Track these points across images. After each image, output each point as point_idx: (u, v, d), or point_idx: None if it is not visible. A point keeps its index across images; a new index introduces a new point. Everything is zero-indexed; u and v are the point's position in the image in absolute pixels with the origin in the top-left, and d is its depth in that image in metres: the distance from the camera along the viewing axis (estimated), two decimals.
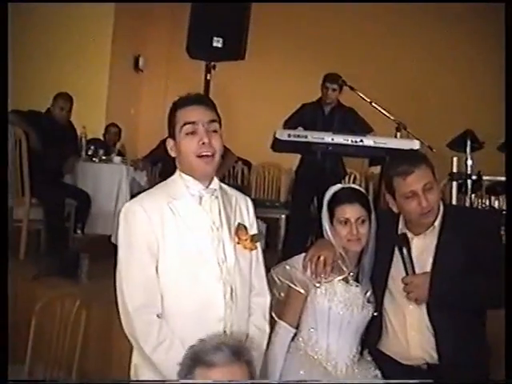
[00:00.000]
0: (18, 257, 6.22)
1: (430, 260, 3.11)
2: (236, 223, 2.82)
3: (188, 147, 2.71)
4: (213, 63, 5.88)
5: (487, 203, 7.41)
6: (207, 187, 2.78)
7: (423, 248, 3.14)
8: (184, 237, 2.70)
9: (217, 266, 2.72)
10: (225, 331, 2.68)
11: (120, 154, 8.12)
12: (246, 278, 2.84)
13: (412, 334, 3.14)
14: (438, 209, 3.15)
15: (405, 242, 3.08)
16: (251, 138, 8.13)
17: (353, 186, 3.32)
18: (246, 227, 2.84)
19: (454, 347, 3.06)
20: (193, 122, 2.70)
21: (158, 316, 2.65)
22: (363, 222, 3.11)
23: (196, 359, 2.20)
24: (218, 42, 5.64)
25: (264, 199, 8.78)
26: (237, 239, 2.79)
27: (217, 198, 2.79)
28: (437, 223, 3.15)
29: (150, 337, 2.62)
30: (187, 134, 2.71)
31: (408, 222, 3.20)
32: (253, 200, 8.23)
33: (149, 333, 2.62)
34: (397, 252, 3.16)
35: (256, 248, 2.86)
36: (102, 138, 8.67)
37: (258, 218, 7.44)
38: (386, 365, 3.19)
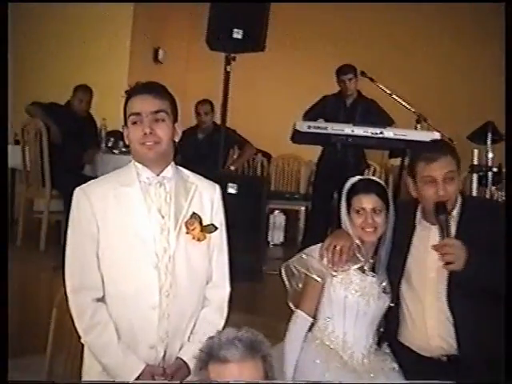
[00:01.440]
0: (39, 248, 6.27)
1: None
2: (190, 212, 2.79)
3: (133, 136, 2.75)
4: (233, 55, 5.85)
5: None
6: (158, 175, 2.79)
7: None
8: (125, 223, 2.73)
9: (154, 254, 2.72)
10: (161, 320, 2.72)
11: None
12: (197, 269, 2.82)
13: (431, 323, 3.13)
14: (456, 200, 3.14)
15: (443, 208, 3.02)
16: (271, 130, 8.12)
17: (372, 177, 3.35)
18: (199, 217, 2.80)
19: (473, 336, 3.05)
20: (137, 113, 2.73)
21: (97, 299, 2.71)
22: (379, 212, 3.14)
23: (210, 354, 2.21)
24: (238, 34, 5.62)
25: (283, 191, 8.74)
26: (185, 228, 2.77)
27: (166, 185, 2.79)
28: (455, 213, 3.14)
29: (84, 318, 2.70)
30: (133, 123, 2.74)
31: (426, 212, 3.19)
32: (272, 192, 8.32)
33: (82, 314, 2.70)
34: (416, 242, 3.18)
35: (205, 238, 2.80)
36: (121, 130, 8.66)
37: (277, 209, 7.44)
38: (406, 357, 3.19)
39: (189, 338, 2.82)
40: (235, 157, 7.40)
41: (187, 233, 2.77)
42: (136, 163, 2.80)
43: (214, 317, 2.88)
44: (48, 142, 6.29)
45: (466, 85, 9.19)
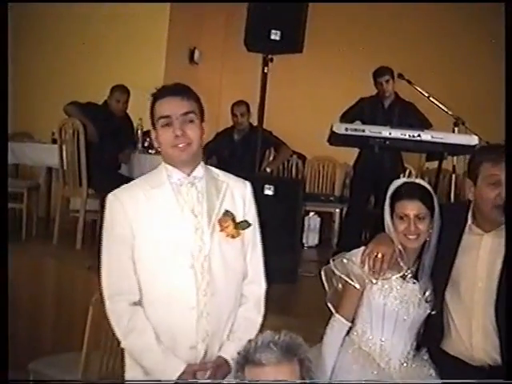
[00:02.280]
0: (75, 247, 6.32)
1: (500, 261, 3.01)
2: (223, 210, 2.81)
3: (164, 138, 2.75)
4: (270, 56, 5.84)
5: None
6: (188, 175, 2.80)
7: (493, 247, 3.05)
8: (159, 225, 2.74)
9: (189, 254, 2.73)
10: (200, 319, 2.73)
11: None
12: (232, 266, 2.83)
13: (477, 337, 3.07)
14: None
15: None
16: (306, 132, 8.09)
17: (417, 181, 3.22)
18: (232, 214, 2.81)
19: None
20: (167, 116, 2.74)
21: (134, 303, 2.73)
22: (423, 218, 3.05)
23: (246, 357, 2.22)
24: (275, 35, 5.60)
25: (318, 193, 8.71)
26: (219, 226, 2.78)
27: (197, 185, 2.80)
28: None
29: (121, 323, 2.72)
30: (163, 126, 2.75)
31: (478, 217, 3.11)
32: (307, 194, 8.30)
33: (120, 319, 2.73)
34: (464, 249, 3.10)
35: (239, 235, 2.81)
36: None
37: (312, 211, 7.42)
38: (447, 363, 3.13)
39: (228, 336, 2.82)
40: (271, 158, 7.39)
41: (221, 230, 2.78)
42: (166, 165, 2.81)
43: (251, 314, 2.89)
44: (85, 142, 6.35)
45: (503, 88, 9.09)
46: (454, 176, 6.67)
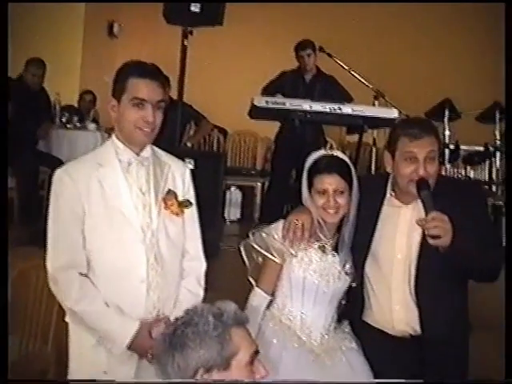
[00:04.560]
0: None
1: (419, 232, 3.02)
2: (166, 189, 2.89)
3: (132, 118, 2.77)
4: (190, 29, 5.77)
5: (463, 173, 7.45)
6: (138, 155, 2.85)
7: (412, 219, 3.04)
8: (109, 202, 2.79)
9: (140, 230, 2.80)
10: (148, 292, 2.79)
11: (95, 121, 8.01)
12: (175, 242, 2.92)
13: (396, 308, 3.10)
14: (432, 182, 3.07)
15: (425, 183, 2.95)
16: (227, 106, 8.06)
17: (336, 153, 3.16)
18: (175, 193, 2.90)
19: (438, 323, 3.04)
20: (143, 99, 2.75)
21: (80, 274, 2.76)
22: (342, 193, 3.05)
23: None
24: (195, 7, 5.54)
25: (240, 167, 8.75)
26: (163, 204, 2.86)
27: (146, 165, 2.86)
28: None
29: (71, 291, 2.74)
30: (134, 105, 2.76)
31: (397, 189, 3.13)
32: (228, 168, 8.27)
33: (70, 288, 2.74)
34: (383, 221, 3.13)
35: (182, 213, 2.92)
36: (76, 105, 8.56)
37: (233, 186, 7.38)
38: (368, 334, 3.16)
39: (174, 305, 2.88)
40: (192, 133, 7.32)
41: (166, 208, 2.87)
42: (117, 142, 2.85)
43: (194, 287, 2.97)
44: None
45: (424, 61, 9.23)
46: (374, 149, 6.76)
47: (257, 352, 2.17)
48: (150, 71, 2.79)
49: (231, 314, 2.15)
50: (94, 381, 2.76)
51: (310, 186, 3.10)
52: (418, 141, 2.97)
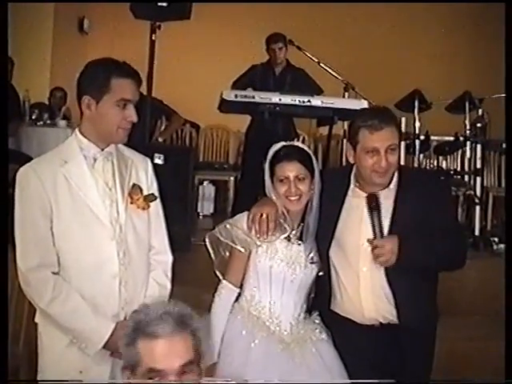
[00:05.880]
0: None
1: (387, 222, 3.06)
2: (131, 184, 2.91)
3: (114, 118, 2.79)
4: (158, 23, 5.75)
5: (435, 163, 7.49)
6: (103, 150, 2.85)
7: None
8: (77, 198, 2.79)
9: (109, 225, 2.82)
10: (120, 288, 2.82)
11: (65, 118, 7.97)
12: (142, 237, 2.93)
13: (366, 296, 3.11)
14: (394, 172, 3.10)
15: (376, 203, 3.01)
16: (198, 101, 8.04)
17: (295, 143, 3.26)
18: (140, 187, 2.92)
19: (411, 309, 3.06)
20: (128, 100, 2.78)
21: (53, 273, 2.76)
22: (303, 179, 3.08)
23: (138, 330, 2.16)
24: (162, 2, 5.54)
25: (212, 162, 8.76)
26: (130, 199, 2.88)
27: (110, 160, 2.87)
28: (392, 185, 3.10)
29: (45, 292, 2.73)
30: (118, 105, 2.78)
31: (360, 180, 3.14)
32: (201, 163, 8.27)
33: (43, 288, 2.74)
34: (347, 210, 3.14)
35: (149, 207, 2.94)
36: (47, 102, 8.51)
37: (206, 180, 7.40)
38: (338, 324, 3.18)
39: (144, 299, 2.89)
40: (163, 128, 7.30)
41: (132, 203, 2.88)
42: (81, 137, 2.84)
43: (162, 279, 3.00)
44: None
45: (393, 51, 9.26)
46: (344, 141, 6.77)
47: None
48: (129, 70, 2.82)
49: (150, 322, 2.15)
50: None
51: (272, 175, 3.13)
52: (378, 132, 2.98)
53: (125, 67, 2.82)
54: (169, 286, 3.00)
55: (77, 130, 2.88)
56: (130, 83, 2.78)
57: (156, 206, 2.99)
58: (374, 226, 3.00)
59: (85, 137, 2.83)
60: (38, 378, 2.89)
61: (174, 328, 2.14)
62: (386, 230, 3.05)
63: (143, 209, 2.90)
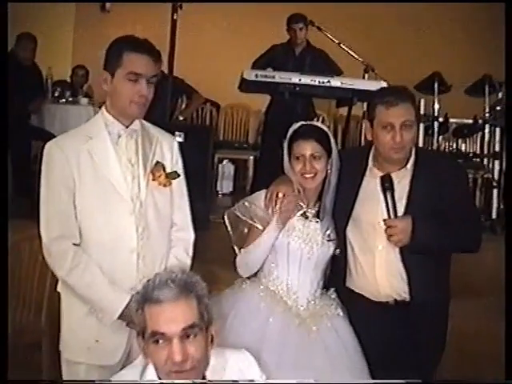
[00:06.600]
0: None
1: (403, 202, 3.11)
2: (154, 161, 2.94)
3: (126, 92, 2.81)
4: (179, 3, 5.78)
5: (454, 146, 7.49)
6: (127, 127, 2.89)
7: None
8: (99, 174, 2.84)
9: (130, 201, 2.86)
10: (138, 262, 2.86)
11: (87, 95, 8.03)
12: (164, 213, 2.98)
13: (381, 273, 3.16)
14: (411, 151, 3.15)
15: (389, 184, 3.06)
16: (219, 80, 8.05)
17: (314, 123, 3.32)
18: (163, 165, 2.96)
19: (424, 288, 3.12)
20: (139, 74, 2.78)
21: (74, 244, 2.82)
22: (318, 158, 3.12)
23: (145, 296, 2.26)
24: None
25: (232, 141, 8.79)
26: (151, 176, 2.92)
27: (134, 137, 2.91)
28: (409, 165, 3.15)
29: (65, 261, 2.80)
30: (129, 80, 2.80)
31: (379, 158, 3.18)
32: (221, 141, 8.30)
33: (63, 258, 2.80)
34: (365, 189, 3.19)
35: (170, 184, 2.97)
36: (69, 80, 8.57)
37: (226, 159, 7.42)
38: (353, 301, 3.23)
39: None
40: (183, 106, 7.35)
41: (154, 180, 2.92)
42: (106, 115, 2.89)
43: (182, 255, 3.04)
44: None
45: (415, 34, 9.24)
46: (364, 121, 6.78)
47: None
48: (144, 46, 2.82)
49: (155, 288, 2.25)
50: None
51: (290, 153, 3.18)
52: (393, 108, 3.04)
53: (139, 42, 2.83)
54: (189, 262, 3.04)
55: (103, 108, 2.92)
56: (142, 58, 2.78)
57: (179, 184, 3.03)
58: (388, 206, 3.05)
59: (110, 114, 2.88)
60: (60, 349, 2.95)
61: (178, 293, 2.23)
62: (401, 210, 3.09)
63: (164, 186, 2.94)
